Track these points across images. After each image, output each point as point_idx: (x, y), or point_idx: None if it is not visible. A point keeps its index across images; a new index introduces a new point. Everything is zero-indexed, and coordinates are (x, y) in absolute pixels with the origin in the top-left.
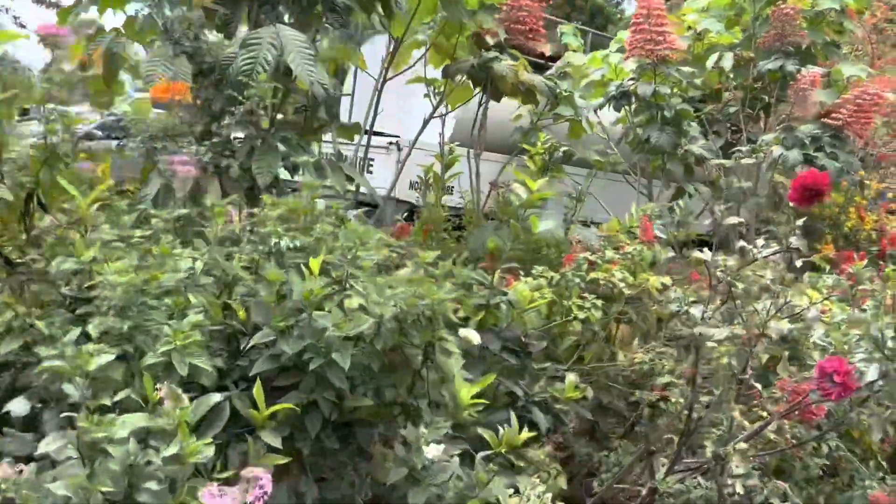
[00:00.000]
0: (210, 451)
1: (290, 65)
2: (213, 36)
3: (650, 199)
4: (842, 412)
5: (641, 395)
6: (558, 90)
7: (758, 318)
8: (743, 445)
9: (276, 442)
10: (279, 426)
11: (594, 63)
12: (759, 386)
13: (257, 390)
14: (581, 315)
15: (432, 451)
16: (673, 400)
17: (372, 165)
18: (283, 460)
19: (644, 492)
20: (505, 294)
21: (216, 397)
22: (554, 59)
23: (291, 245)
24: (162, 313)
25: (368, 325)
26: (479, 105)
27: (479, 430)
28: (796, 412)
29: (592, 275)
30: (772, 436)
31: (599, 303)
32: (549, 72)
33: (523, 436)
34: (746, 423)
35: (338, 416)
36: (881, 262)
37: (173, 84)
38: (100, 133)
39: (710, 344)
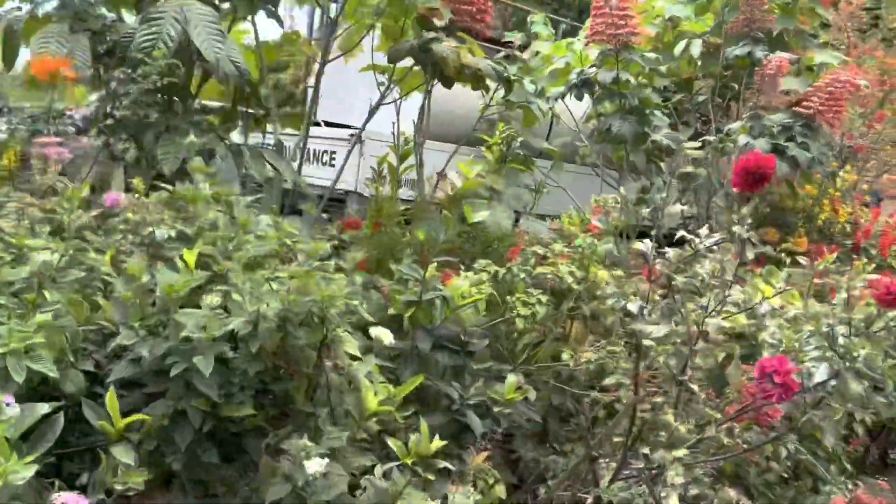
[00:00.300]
0: (30, 471)
1: (194, 40)
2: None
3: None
4: (801, 413)
5: (592, 397)
6: (506, 74)
7: (696, 313)
8: (679, 453)
9: (128, 457)
10: (146, 438)
11: (559, 51)
12: (695, 388)
13: (110, 399)
14: (525, 312)
15: (313, 465)
16: (625, 401)
17: (334, 158)
18: (141, 478)
19: (590, 499)
20: (438, 289)
21: (43, 408)
22: (523, 48)
23: (167, 235)
24: (3, 312)
25: (237, 324)
26: (427, 91)
27: (386, 439)
28: (748, 414)
29: (539, 269)
30: (725, 440)
31: (545, 298)
32: (497, 56)
33: (435, 444)
34: (682, 429)
35: (215, 425)
36: (855, 256)
37: (53, 61)
38: (72, 129)
39: (647, 342)
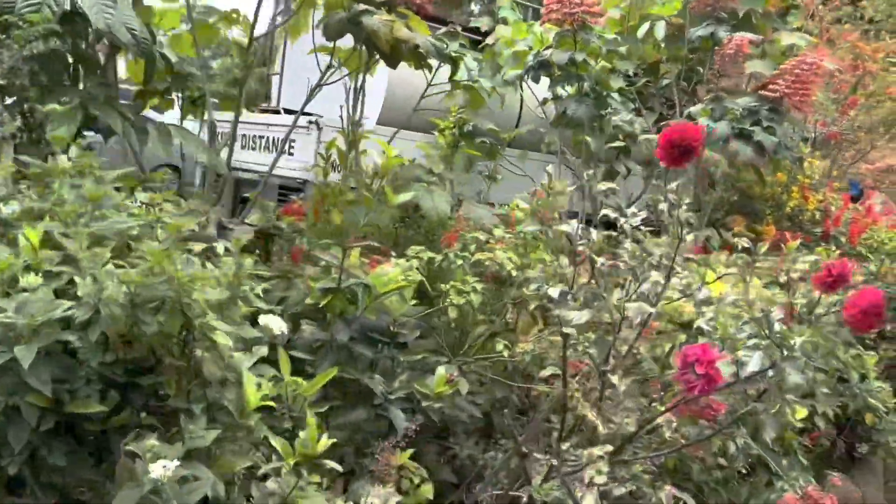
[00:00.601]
0: None
1: (81, 5)
2: None
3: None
4: (744, 405)
5: (541, 390)
6: (447, 50)
7: (614, 298)
8: (600, 450)
9: None
10: None
11: (520, 34)
12: (615, 379)
13: None
14: (458, 300)
15: (157, 468)
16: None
17: (293, 146)
18: None
19: (525, 498)
20: (359, 277)
21: None
22: (487, 33)
23: (12, 210)
24: None
25: (64, 309)
26: (363, 70)
27: (269, 437)
28: (688, 406)
29: (477, 255)
30: (668, 435)
31: (480, 286)
32: (437, 27)
33: (323, 443)
34: (599, 423)
35: (69, 423)
36: (824, 244)
37: None
38: None
39: (567, 330)
